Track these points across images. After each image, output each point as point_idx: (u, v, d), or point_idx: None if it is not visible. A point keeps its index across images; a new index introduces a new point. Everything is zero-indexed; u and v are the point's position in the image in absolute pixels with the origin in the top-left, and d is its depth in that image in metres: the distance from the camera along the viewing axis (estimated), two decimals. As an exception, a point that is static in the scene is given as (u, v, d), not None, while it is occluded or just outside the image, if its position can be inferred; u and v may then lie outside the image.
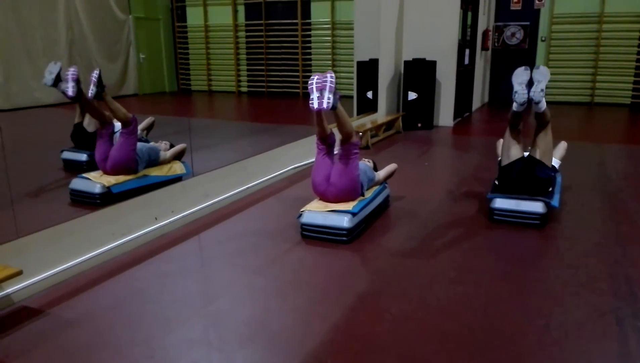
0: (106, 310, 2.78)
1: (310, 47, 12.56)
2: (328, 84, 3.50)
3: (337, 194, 3.80)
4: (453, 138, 7.83)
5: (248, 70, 13.34)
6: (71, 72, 4.23)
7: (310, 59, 12.62)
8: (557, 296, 2.87)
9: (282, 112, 10.89)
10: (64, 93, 4.28)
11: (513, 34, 11.47)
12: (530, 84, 3.74)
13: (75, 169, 4.92)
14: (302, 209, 3.80)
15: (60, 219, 3.24)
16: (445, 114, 8.76)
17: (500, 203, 4.01)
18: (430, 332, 2.54)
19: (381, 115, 8.12)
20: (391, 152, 6.75)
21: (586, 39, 10.83)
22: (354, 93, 8.25)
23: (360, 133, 6.60)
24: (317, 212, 3.73)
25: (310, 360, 2.32)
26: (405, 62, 8.37)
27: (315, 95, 3.49)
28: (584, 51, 10.92)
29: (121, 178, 4.21)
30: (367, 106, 8.06)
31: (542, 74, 3.70)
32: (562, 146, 4.71)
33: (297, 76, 12.71)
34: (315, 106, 3.49)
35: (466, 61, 9.34)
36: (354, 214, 3.69)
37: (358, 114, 7.94)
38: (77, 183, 4.20)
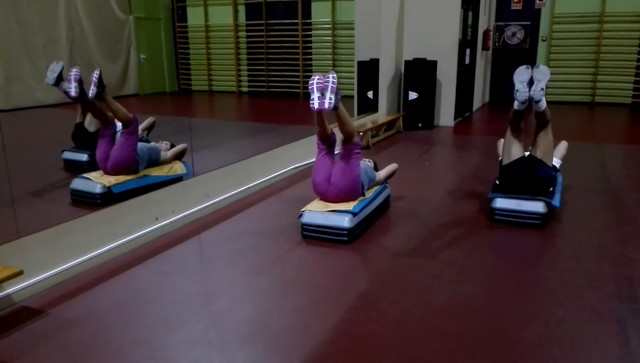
0: (107, 310, 2.79)
1: (310, 47, 12.56)
2: (330, 84, 3.50)
3: (337, 194, 3.80)
4: (454, 137, 7.82)
5: (249, 70, 13.35)
6: (74, 72, 4.24)
7: (310, 59, 12.62)
8: (557, 297, 2.86)
9: (283, 112, 10.90)
10: (66, 93, 4.29)
11: (514, 34, 11.46)
12: (531, 82, 3.73)
13: (76, 169, 4.92)
14: (302, 209, 3.80)
15: (61, 220, 3.24)
16: (445, 114, 8.76)
17: (501, 202, 4.01)
18: (430, 331, 2.54)
19: (382, 115, 8.12)
20: (392, 152, 6.75)
21: (587, 38, 10.82)
22: (355, 93, 8.25)
23: (361, 133, 6.59)
24: (317, 212, 3.73)
25: (310, 360, 2.32)
26: (406, 62, 8.37)
27: (315, 95, 3.49)
28: (584, 51, 10.91)
29: (122, 178, 4.22)
30: (368, 106, 8.06)
31: (542, 73, 3.71)
32: (563, 145, 4.71)
33: (298, 76, 12.71)
34: (316, 106, 3.49)
35: (467, 61, 9.34)
36: (354, 214, 3.69)
37: (359, 114, 7.94)
38: (77, 183, 4.20)
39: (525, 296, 2.87)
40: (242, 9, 13.07)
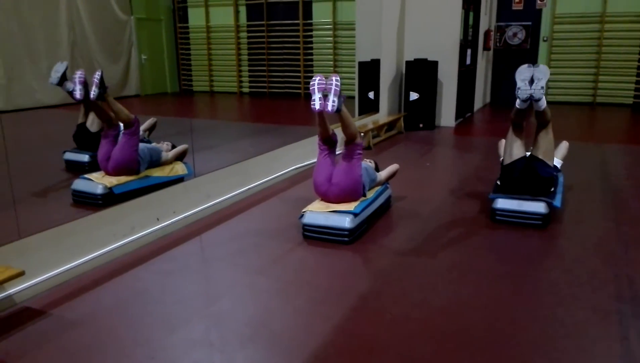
0: (108, 310, 2.79)
1: (311, 48, 12.56)
2: (333, 87, 3.51)
3: (338, 195, 3.80)
4: (455, 138, 7.82)
5: (250, 71, 13.35)
6: (78, 75, 4.27)
7: (311, 60, 12.62)
8: (558, 297, 2.86)
9: (284, 113, 10.90)
10: (71, 94, 4.32)
11: (515, 34, 11.45)
12: (532, 81, 3.75)
13: (77, 170, 4.93)
14: (303, 210, 3.80)
15: (62, 220, 3.24)
16: (447, 115, 8.76)
17: (502, 203, 4.00)
18: (431, 332, 2.54)
19: (383, 115, 8.12)
20: (393, 152, 6.75)
21: (588, 39, 10.82)
22: (356, 93, 8.24)
23: (362, 134, 6.59)
24: (318, 213, 3.73)
25: (311, 360, 2.32)
26: (407, 63, 8.37)
27: (317, 96, 3.50)
28: (585, 51, 10.90)
29: (123, 179, 4.22)
30: (369, 107, 8.06)
31: (542, 72, 3.72)
32: (564, 146, 4.71)
33: (299, 77, 12.71)
34: (317, 107, 3.49)
35: (468, 61, 9.34)
36: (355, 214, 3.69)
37: (360, 114, 7.93)
38: (79, 184, 4.20)
39: (526, 297, 2.87)
40: (243, 10, 13.07)
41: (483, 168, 5.76)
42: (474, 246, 3.60)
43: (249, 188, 4.88)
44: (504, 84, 11.73)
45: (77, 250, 3.24)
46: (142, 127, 4.90)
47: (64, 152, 5.12)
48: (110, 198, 4.01)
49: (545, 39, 11.25)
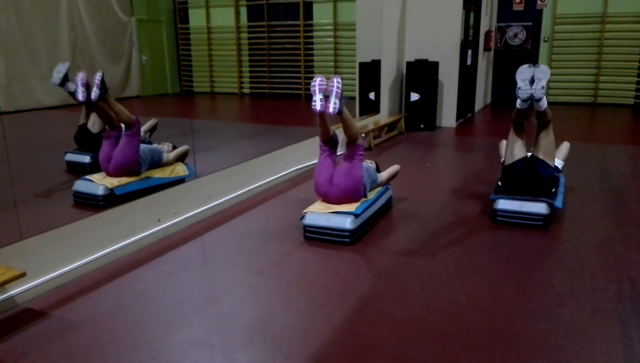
0: (109, 311, 2.79)
1: (312, 49, 12.57)
2: (334, 89, 3.51)
3: (339, 196, 3.80)
4: (456, 139, 7.82)
5: (250, 71, 13.36)
6: (81, 77, 4.28)
7: (312, 61, 12.63)
8: (560, 298, 2.86)
9: (285, 114, 10.90)
10: (73, 95, 4.33)
11: (515, 35, 11.45)
12: (532, 81, 3.75)
13: (78, 171, 4.93)
14: (304, 211, 3.80)
15: (64, 221, 3.24)
16: (447, 115, 8.75)
17: (503, 204, 4.00)
18: (432, 333, 2.54)
19: (383, 116, 8.12)
20: (394, 153, 6.75)
21: (589, 39, 10.81)
22: (357, 94, 8.25)
23: (363, 134, 6.59)
24: (319, 214, 3.73)
25: (312, 361, 2.32)
26: (408, 63, 8.37)
27: (317, 97, 3.50)
28: (586, 52, 10.89)
29: (124, 180, 4.22)
30: (370, 107, 8.06)
31: (543, 72, 3.72)
32: (565, 146, 4.70)
33: (300, 78, 12.72)
34: (318, 108, 3.49)
35: (468, 62, 9.34)
36: (356, 215, 3.69)
37: (360, 115, 7.94)
38: (80, 185, 4.21)
39: (528, 297, 2.87)
40: (243, 11, 13.08)
41: (484, 169, 5.76)
42: (475, 247, 3.60)
43: (250, 189, 4.88)
44: (504, 84, 11.72)
45: (78, 251, 3.24)
46: (143, 128, 4.91)
47: (65, 153, 5.13)
48: (111, 199, 4.01)
49: (546, 39, 11.24)
